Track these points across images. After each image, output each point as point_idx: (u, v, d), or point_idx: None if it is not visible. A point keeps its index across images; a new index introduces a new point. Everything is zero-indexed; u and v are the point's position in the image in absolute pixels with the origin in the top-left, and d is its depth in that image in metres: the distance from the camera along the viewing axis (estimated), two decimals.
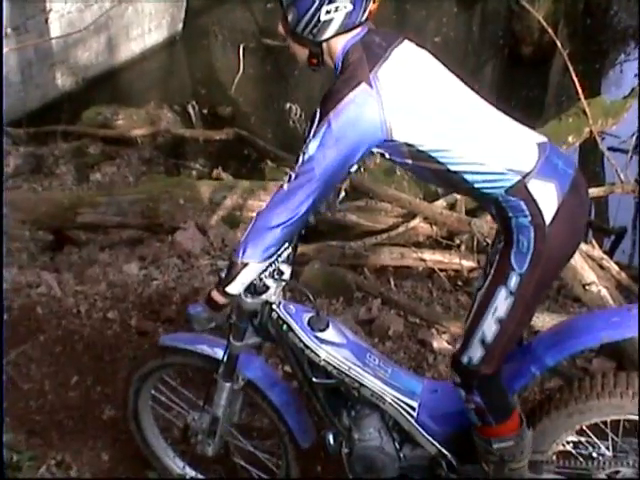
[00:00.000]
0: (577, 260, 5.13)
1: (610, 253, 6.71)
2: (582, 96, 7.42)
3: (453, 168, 2.75)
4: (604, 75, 12.00)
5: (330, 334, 3.10)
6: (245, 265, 2.76)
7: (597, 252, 5.71)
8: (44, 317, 4.80)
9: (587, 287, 5.07)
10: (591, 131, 7.49)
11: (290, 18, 2.73)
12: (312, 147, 2.64)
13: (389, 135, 2.67)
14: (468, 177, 2.76)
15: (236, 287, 2.84)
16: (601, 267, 5.56)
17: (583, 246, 5.57)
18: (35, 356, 4.50)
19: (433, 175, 2.86)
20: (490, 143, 2.76)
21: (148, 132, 9.38)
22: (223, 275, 2.83)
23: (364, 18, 2.74)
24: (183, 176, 8.25)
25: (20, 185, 7.88)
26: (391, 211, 6.48)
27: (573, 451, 3.18)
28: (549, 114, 9.52)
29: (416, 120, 2.68)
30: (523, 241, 2.77)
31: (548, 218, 2.74)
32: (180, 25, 12.27)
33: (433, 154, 2.73)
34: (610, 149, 7.85)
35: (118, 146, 9.07)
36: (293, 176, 2.67)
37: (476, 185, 2.78)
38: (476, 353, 2.90)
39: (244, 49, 11.10)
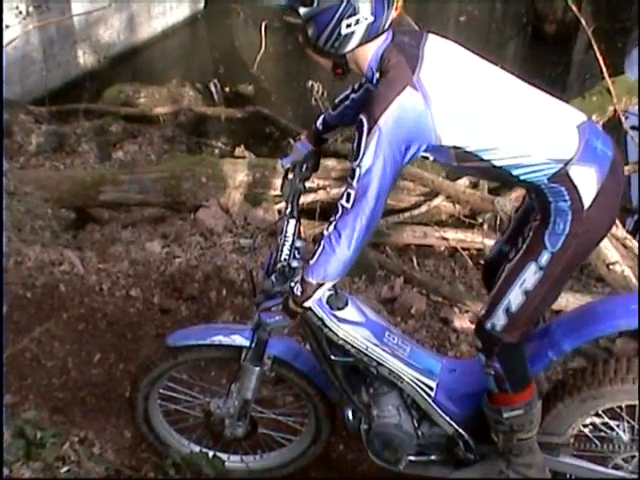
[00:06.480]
0: None
1: (633, 232, 6.66)
2: (606, 74, 7.35)
3: (498, 164, 2.75)
4: (627, 53, 11.87)
5: (349, 313, 3.11)
6: (321, 285, 2.79)
7: (620, 231, 5.67)
8: (67, 295, 4.83)
9: (611, 267, 5.05)
10: (615, 110, 7.41)
11: (310, 33, 2.66)
12: (367, 159, 2.59)
13: (439, 140, 2.66)
14: (513, 171, 2.77)
15: (311, 302, 2.86)
16: (624, 246, 5.53)
17: None
18: (58, 334, 4.53)
19: (476, 171, 2.91)
20: (534, 135, 2.75)
21: (170, 110, 9.40)
22: (297, 292, 2.81)
23: (387, 26, 2.68)
24: (205, 154, 8.25)
25: (43, 163, 7.93)
26: (414, 189, 6.46)
27: (590, 435, 3.19)
28: (572, 92, 9.45)
29: (463, 122, 2.67)
30: (560, 223, 2.78)
31: (587, 203, 2.75)
32: (202, 3, 12.25)
33: (479, 153, 2.72)
34: (633, 128, 7.77)
35: (140, 124, 9.09)
36: (353, 193, 2.64)
37: (520, 177, 2.78)
38: (500, 321, 2.92)
39: (266, 27, 11.04)
